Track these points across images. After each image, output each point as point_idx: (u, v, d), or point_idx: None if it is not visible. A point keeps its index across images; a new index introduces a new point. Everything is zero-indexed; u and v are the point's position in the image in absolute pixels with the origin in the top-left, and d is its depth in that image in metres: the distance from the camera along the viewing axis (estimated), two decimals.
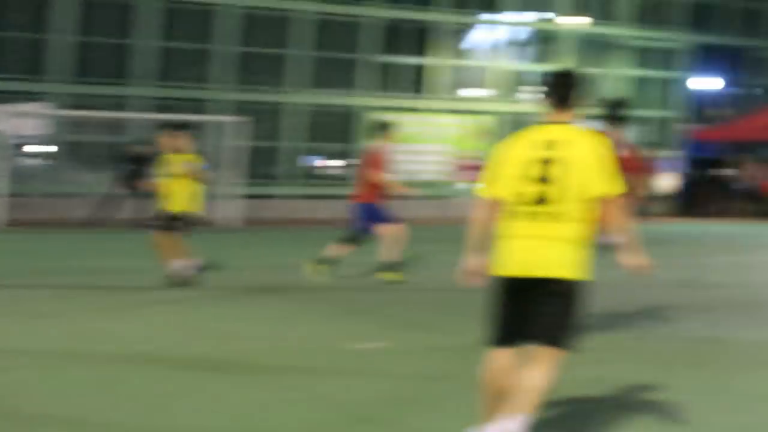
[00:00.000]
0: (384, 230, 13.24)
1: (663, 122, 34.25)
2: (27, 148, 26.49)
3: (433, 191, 29.08)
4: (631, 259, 5.85)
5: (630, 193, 6.73)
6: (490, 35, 31.69)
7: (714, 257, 18.87)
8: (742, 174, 31.64)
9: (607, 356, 8.69)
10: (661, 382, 7.71)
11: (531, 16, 32.15)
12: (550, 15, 32.19)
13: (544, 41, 32.61)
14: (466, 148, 30.42)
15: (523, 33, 32.51)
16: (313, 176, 29.70)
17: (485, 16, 31.55)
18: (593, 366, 8.01)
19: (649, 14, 33.55)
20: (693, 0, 34.22)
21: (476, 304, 6.73)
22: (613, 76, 32.90)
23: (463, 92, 31.75)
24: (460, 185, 30.54)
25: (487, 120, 30.75)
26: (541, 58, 32.73)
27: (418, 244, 15.36)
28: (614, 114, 9.85)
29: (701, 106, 46.30)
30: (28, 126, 24.61)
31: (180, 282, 12.44)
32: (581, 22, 31.61)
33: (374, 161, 13.24)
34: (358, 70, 30.03)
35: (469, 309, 9.28)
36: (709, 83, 55.45)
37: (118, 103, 26.39)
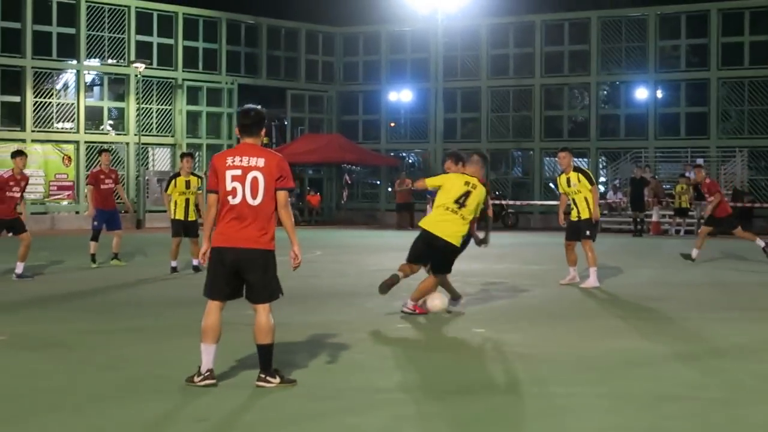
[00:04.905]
0: None
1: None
2: None
3: (37, 209, 33.14)
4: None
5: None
6: (76, 78, 35.40)
7: None
8: None
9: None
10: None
11: (108, 62, 36.04)
12: (122, 61, 36.14)
13: (119, 82, 37.00)
14: (56, 172, 34.30)
15: (102, 76, 36.61)
16: None
17: (71, 63, 35.39)
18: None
19: (201, 60, 38.49)
20: (236, 49, 39.89)
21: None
22: (176, 111, 37.61)
23: (57, 125, 35.16)
24: (62, 203, 34.44)
25: (71, 148, 34.66)
26: (117, 96, 37.37)
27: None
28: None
29: None
30: None
31: None
32: (143, 66, 34.94)
33: None
34: None
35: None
36: None
37: None
